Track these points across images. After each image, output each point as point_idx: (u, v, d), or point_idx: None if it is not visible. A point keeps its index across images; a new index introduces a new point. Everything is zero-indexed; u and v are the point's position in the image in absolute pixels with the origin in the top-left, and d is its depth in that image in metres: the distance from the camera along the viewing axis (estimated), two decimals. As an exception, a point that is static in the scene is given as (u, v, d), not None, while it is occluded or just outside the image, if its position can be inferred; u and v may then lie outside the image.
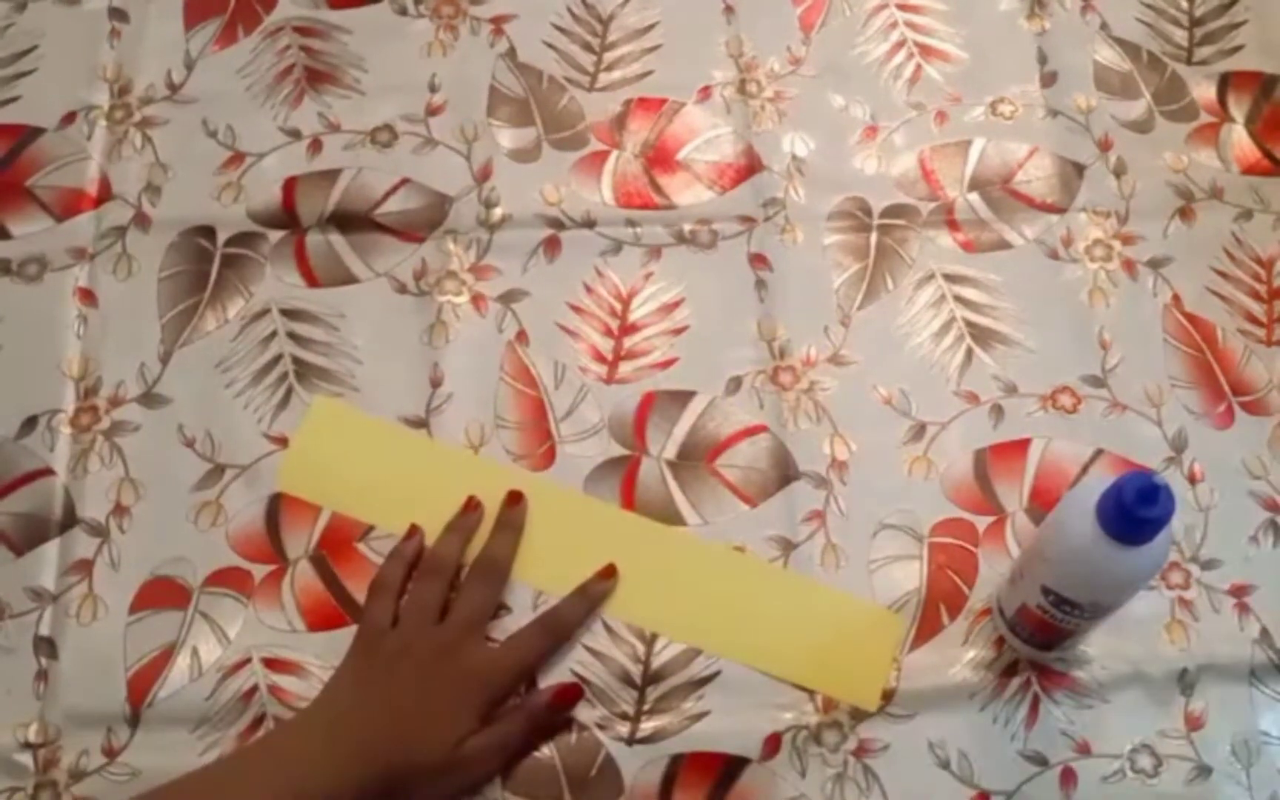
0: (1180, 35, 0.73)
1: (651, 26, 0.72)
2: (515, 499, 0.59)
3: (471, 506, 0.59)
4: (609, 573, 0.58)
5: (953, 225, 0.67)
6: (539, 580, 0.58)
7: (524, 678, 0.55)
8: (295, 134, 0.68)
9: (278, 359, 0.63)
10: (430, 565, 0.57)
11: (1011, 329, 0.64)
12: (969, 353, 0.63)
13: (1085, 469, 0.61)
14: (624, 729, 0.55)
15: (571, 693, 0.55)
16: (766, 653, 0.57)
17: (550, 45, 0.71)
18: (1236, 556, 0.59)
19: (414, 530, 0.58)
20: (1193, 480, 0.60)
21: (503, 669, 0.55)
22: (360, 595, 0.57)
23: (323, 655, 0.56)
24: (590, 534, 0.59)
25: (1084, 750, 0.55)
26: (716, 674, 0.56)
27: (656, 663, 0.56)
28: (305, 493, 0.59)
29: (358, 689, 0.53)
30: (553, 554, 0.58)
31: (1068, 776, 0.54)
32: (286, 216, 0.66)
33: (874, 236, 0.66)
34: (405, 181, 0.67)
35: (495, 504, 0.59)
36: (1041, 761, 0.55)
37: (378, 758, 0.51)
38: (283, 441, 0.60)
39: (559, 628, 0.56)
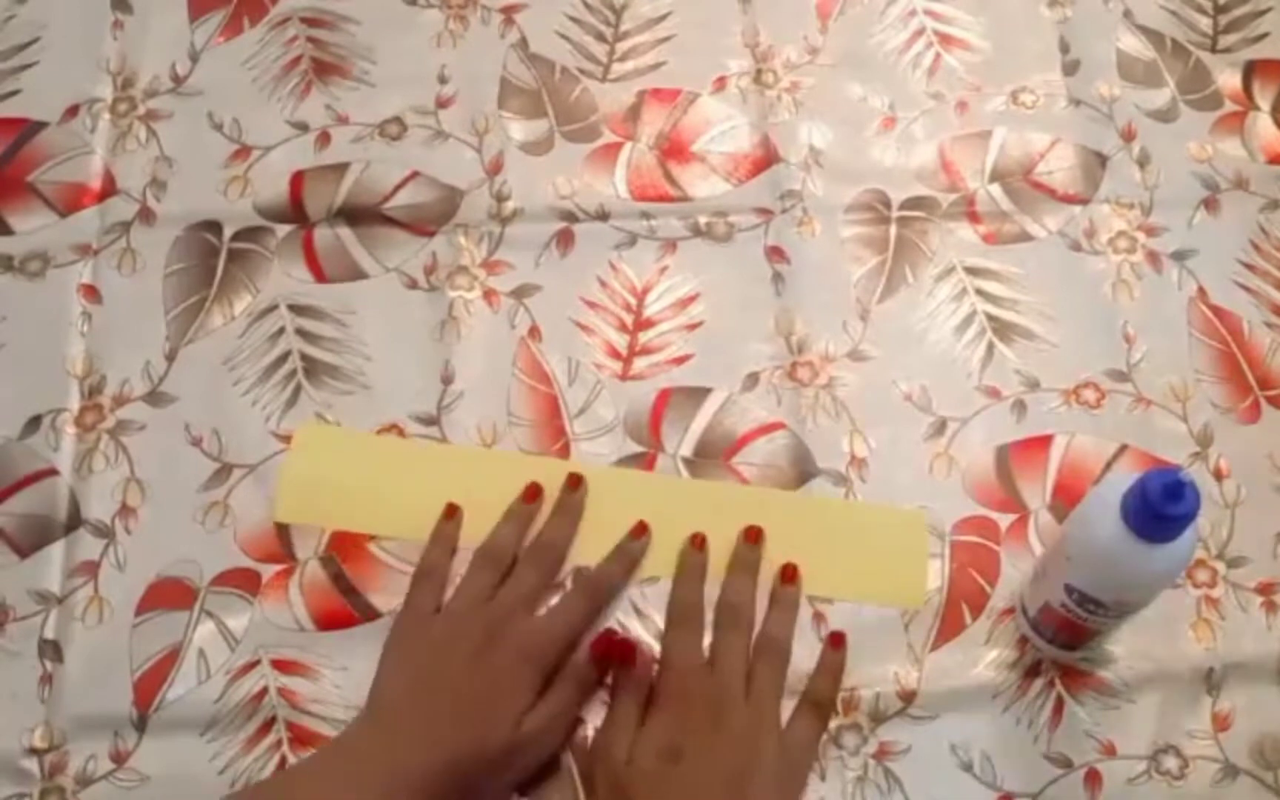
0: (1204, 23, 0.72)
1: (665, 16, 0.71)
2: (575, 482, 0.58)
3: (531, 495, 0.58)
4: (641, 531, 0.57)
5: (973, 217, 0.66)
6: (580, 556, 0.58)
7: (571, 644, 0.54)
8: (303, 127, 0.68)
9: (286, 356, 0.62)
10: (486, 553, 0.56)
11: (1034, 323, 0.63)
12: (990, 347, 0.62)
13: (1109, 465, 0.60)
14: (640, 732, 0.54)
15: (609, 643, 0.54)
16: (805, 577, 0.57)
17: (562, 35, 0.71)
18: (1264, 554, 0.58)
19: (452, 510, 0.57)
20: (1219, 476, 0.59)
21: (550, 638, 0.54)
22: (370, 595, 0.56)
23: (333, 656, 0.55)
24: (620, 500, 0.58)
25: (1109, 751, 0.54)
26: (734, 675, 0.55)
27: (673, 664, 0.56)
28: (307, 517, 0.58)
29: (408, 680, 0.52)
30: (589, 528, 0.58)
31: (1092, 778, 0.53)
32: (294, 211, 0.65)
33: (893, 229, 0.65)
34: (415, 175, 0.66)
35: (510, 493, 0.58)
36: (1066, 763, 0.54)
37: (442, 749, 0.49)
38: (290, 440, 0.60)
39: (599, 591, 0.56)
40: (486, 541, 0.57)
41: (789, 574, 0.57)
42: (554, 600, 0.56)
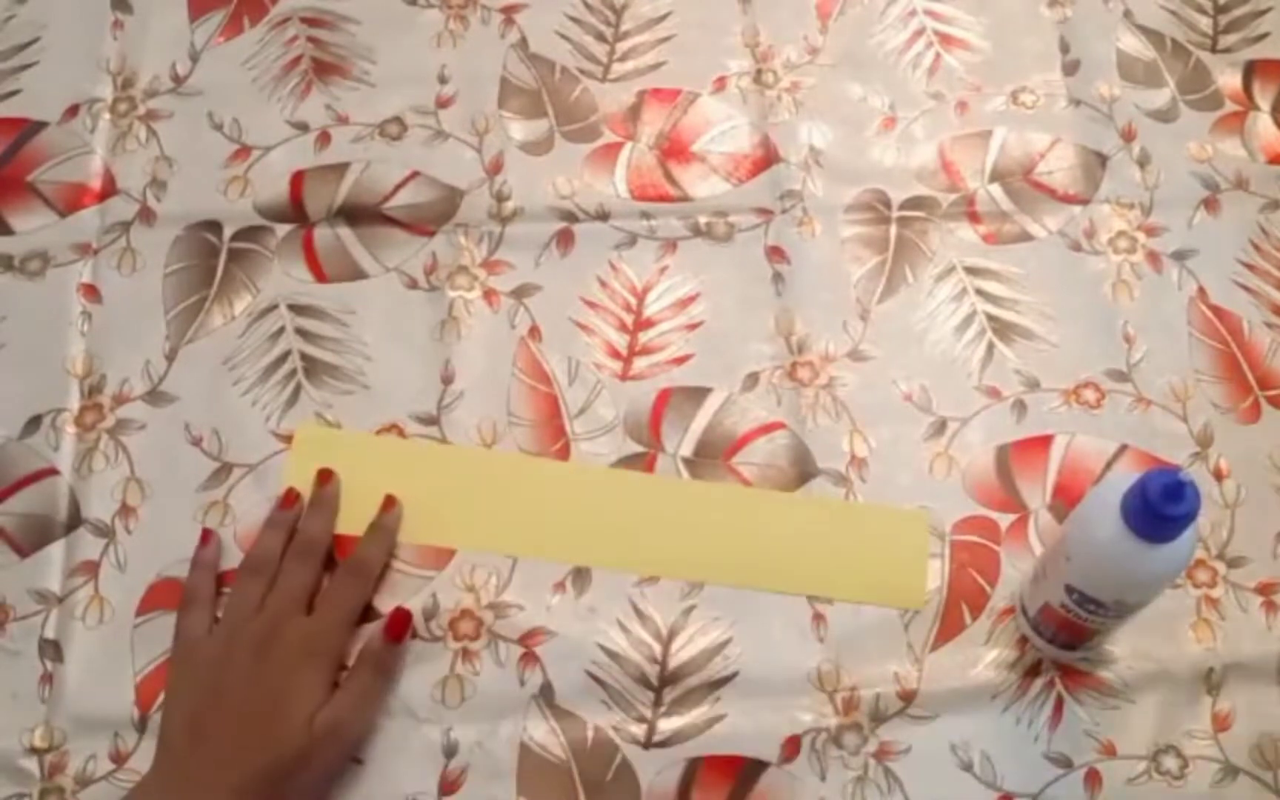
0: (1204, 23, 0.72)
1: (665, 16, 0.71)
2: (326, 477, 0.58)
3: (288, 501, 0.57)
4: (391, 504, 0.57)
5: (973, 217, 0.66)
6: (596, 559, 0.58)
7: (349, 629, 0.54)
8: (303, 126, 0.67)
9: (286, 355, 0.62)
10: (249, 565, 0.56)
11: (1034, 323, 0.63)
12: (990, 347, 0.62)
13: (1109, 465, 0.60)
14: (640, 732, 0.54)
15: (400, 618, 0.54)
16: (805, 578, 0.57)
17: (562, 35, 0.71)
18: (1264, 554, 0.58)
19: (207, 535, 0.57)
20: (1219, 476, 0.59)
21: (325, 629, 0.53)
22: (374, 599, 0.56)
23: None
24: (619, 502, 0.59)
25: (1109, 751, 0.54)
26: (734, 675, 0.55)
27: (673, 664, 0.56)
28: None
29: (187, 711, 0.51)
30: (590, 530, 0.58)
31: (1093, 778, 0.53)
32: (294, 210, 0.65)
33: (893, 229, 0.65)
34: (415, 174, 0.66)
35: (508, 493, 0.58)
36: (1066, 763, 0.54)
37: (231, 772, 0.48)
38: (291, 439, 0.60)
39: (363, 568, 0.56)
40: (249, 552, 0.56)
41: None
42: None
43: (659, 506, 0.58)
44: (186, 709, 0.51)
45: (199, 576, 0.56)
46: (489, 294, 0.63)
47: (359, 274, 0.64)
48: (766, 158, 0.67)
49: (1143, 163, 0.67)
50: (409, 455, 0.60)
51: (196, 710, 0.51)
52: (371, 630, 0.55)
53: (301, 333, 0.62)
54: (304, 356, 0.62)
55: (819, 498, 0.59)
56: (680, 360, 0.62)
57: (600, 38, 0.71)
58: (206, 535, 0.57)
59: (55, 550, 0.57)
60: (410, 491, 0.58)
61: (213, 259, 0.64)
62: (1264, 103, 0.69)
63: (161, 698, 0.54)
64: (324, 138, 0.67)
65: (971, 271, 0.64)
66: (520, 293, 0.64)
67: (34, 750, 0.53)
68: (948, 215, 0.66)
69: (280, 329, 0.62)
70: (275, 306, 0.63)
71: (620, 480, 0.59)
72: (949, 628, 0.56)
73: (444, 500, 0.58)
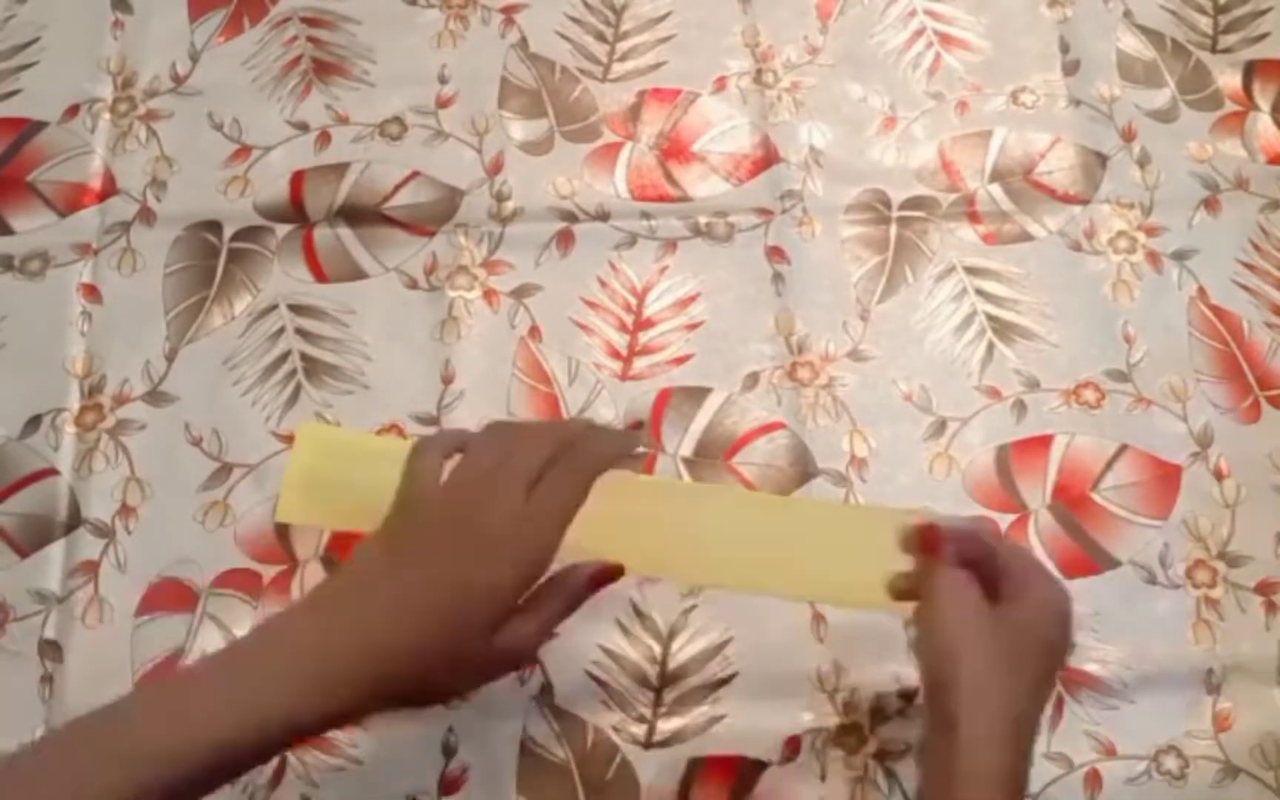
0: (1204, 22, 0.72)
1: (665, 16, 0.71)
2: (636, 425, 0.56)
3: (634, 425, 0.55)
4: (638, 424, 0.56)
5: (973, 217, 0.66)
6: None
7: (562, 531, 0.45)
8: (303, 126, 0.67)
9: (286, 355, 0.62)
10: (497, 427, 0.48)
11: (1034, 323, 0.63)
12: (990, 347, 0.62)
13: (1109, 465, 0.60)
14: (640, 732, 0.54)
15: (609, 572, 0.48)
16: (806, 583, 0.55)
17: (562, 35, 0.71)
18: (1264, 554, 0.58)
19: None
20: (1219, 476, 0.59)
21: (546, 527, 0.45)
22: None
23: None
24: (619, 502, 0.56)
25: (1109, 752, 0.54)
26: (734, 676, 0.55)
27: (673, 664, 0.56)
28: (310, 519, 0.57)
29: (385, 557, 0.44)
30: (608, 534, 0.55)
31: (1093, 779, 0.53)
32: (294, 210, 0.65)
33: (893, 229, 0.65)
34: (415, 174, 0.66)
35: None
36: (1066, 763, 0.54)
37: (392, 661, 0.42)
38: (291, 440, 0.60)
39: (586, 463, 0.46)
40: (489, 424, 0.49)
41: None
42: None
43: (659, 508, 0.58)
44: (383, 549, 0.44)
45: (443, 437, 0.49)
46: (489, 294, 0.63)
47: (359, 274, 0.64)
48: (766, 158, 0.67)
49: (1143, 163, 0.67)
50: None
51: (392, 555, 0.44)
52: (574, 568, 0.48)
53: (301, 333, 0.62)
54: (304, 356, 0.62)
55: (818, 500, 0.59)
56: (680, 360, 0.62)
57: (600, 38, 0.71)
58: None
59: (55, 550, 0.57)
60: None
61: (213, 259, 0.64)
62: (1264, 103, 0.69)
63: None
64: (324, 138, 0.67)
65: (971, 271, 0.64)
66: (520, 293, 0.64)
67: (34, 750, 0.53)
68: (948, 215, 0.66)
69: (280, 329, 0.62)
70: (275, 306, 0.63)
71: (620, 482, 0.58)
72: (949, 628, 0.56)
73: None
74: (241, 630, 0.56)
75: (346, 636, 0.42)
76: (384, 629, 0.42)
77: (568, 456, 0.46)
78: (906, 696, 0.55)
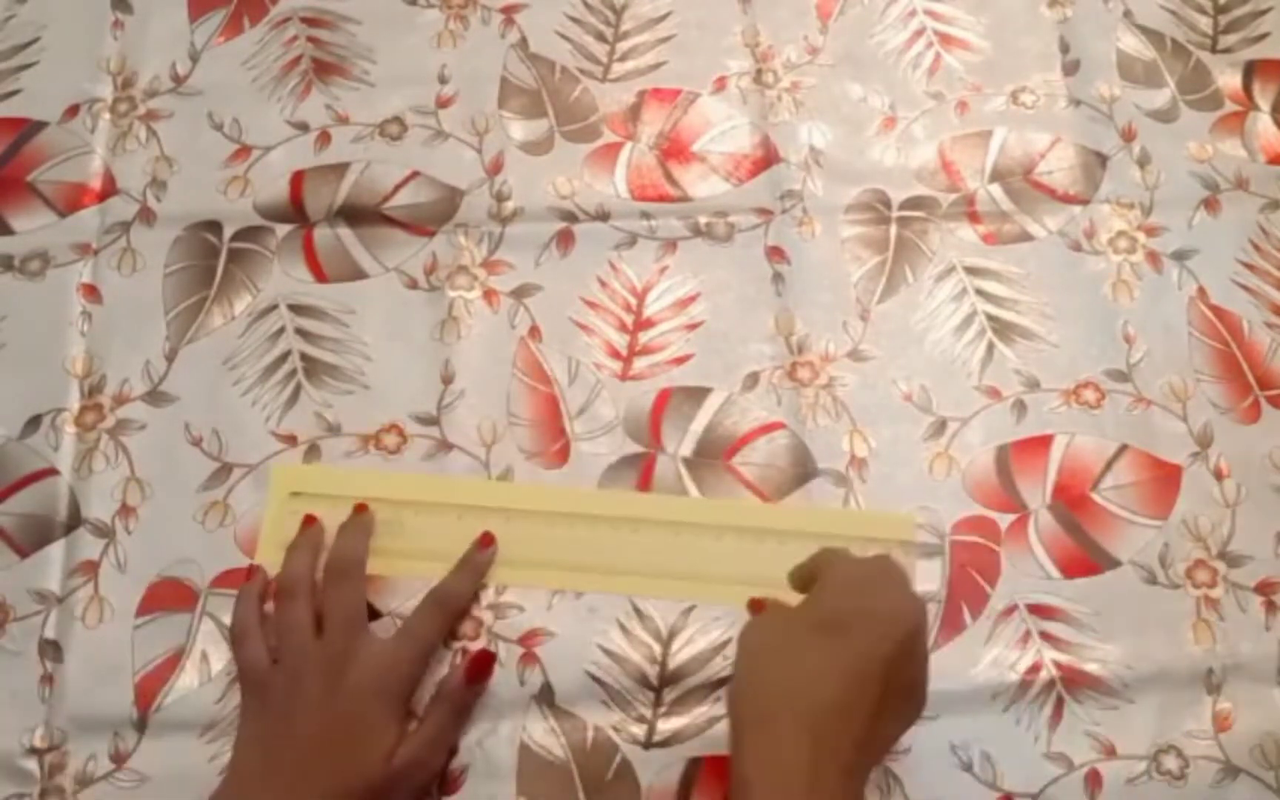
0: (1204, 22, 0.72)
1: (665, 16, 0.71)
2: (361, 508, 0.57)
3: (309, 521, 0.57)
4: (488, 542, 0.56)
5: (973, 217, 0.66)
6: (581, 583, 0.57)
7: (424, 663, 0.53)
8: (303, 126, 0.67)
9: (286, 355, 0.62)
10: (284, 588, 0.54)
11: (1034, 323, 0.63)
12: (990, 347, 0.62)
13: (1109, 465, 0.60)
14: (640, 732, 0.54)
15: (484, 660, 0.54)
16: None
17: (562, 35, 0.71)
18: (1264, 553, 0.58)
19: (253, 570, 0.56)
20: (1219, 476, 0.59)
21: (405, 659, 0.52)
22: (370, 595, 0.56)
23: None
24: (619, 520, 0.58)
25: (1109, 752, 0.54)
26: (734, 675, 0.55)
27: (673, 664, 0.56)
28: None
29: (260, 744, 0.50)
30: (586, 549, 0.58)
31: (1093, 779, 0.53)
32: (294, 211, 0.65)
33: (893, 229, 0.65)
34: (415, 174, 0.66)
35: (493, 519, 0.57)
36: (1066, 763, 0.54)
37: None
38: (291, 439, 0.60)
39: (448, 602, 0.55)
40: (280, 577, 0.55)
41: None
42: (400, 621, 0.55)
43: (652, 527, 0.58)
44: (258, 739, 0.51)
45: (246, 607, 0.54)
46: (489, 294, 0.63)
47: (359, 274, 0.64)
48: (766, 158, 0.67)
49: (1143, 163, 0.67)
50: (392, 487, 0.59)
51: (268, 740, 0.50)
52: (450, 671, 0.54)
53: (301, 333, 0.62)
54: (304, 356, 0.62)
55: (808, 507, 0.58)
56: (680, 360, 0.62)
57: (600, 38, 0.71)
58: (251, 571, 0.56)
59: (55, 550, 0.57)
60: (398, 526, 0.58)
61: (213, 259, 0.64)
62: (1264, 103, 0.69)
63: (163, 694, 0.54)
64: (324, 138, 0.67)
65: (971, 271, 0.64)
66: (520, 293, 0.64)
67: (34, 750, 0.53)
68: (948, 215, 0.66)
69: (280, 329, 0.62)
70: (275, 306, 0.63)
71: (616, 500, 0.59)
72: (949, 627, 0.56)
73: (441, 530, 0.58)
74: (241, 630, 0.56)
75: None
76: None
77: (428, 600, 0.54)
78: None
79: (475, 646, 0.55)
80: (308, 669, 0.51)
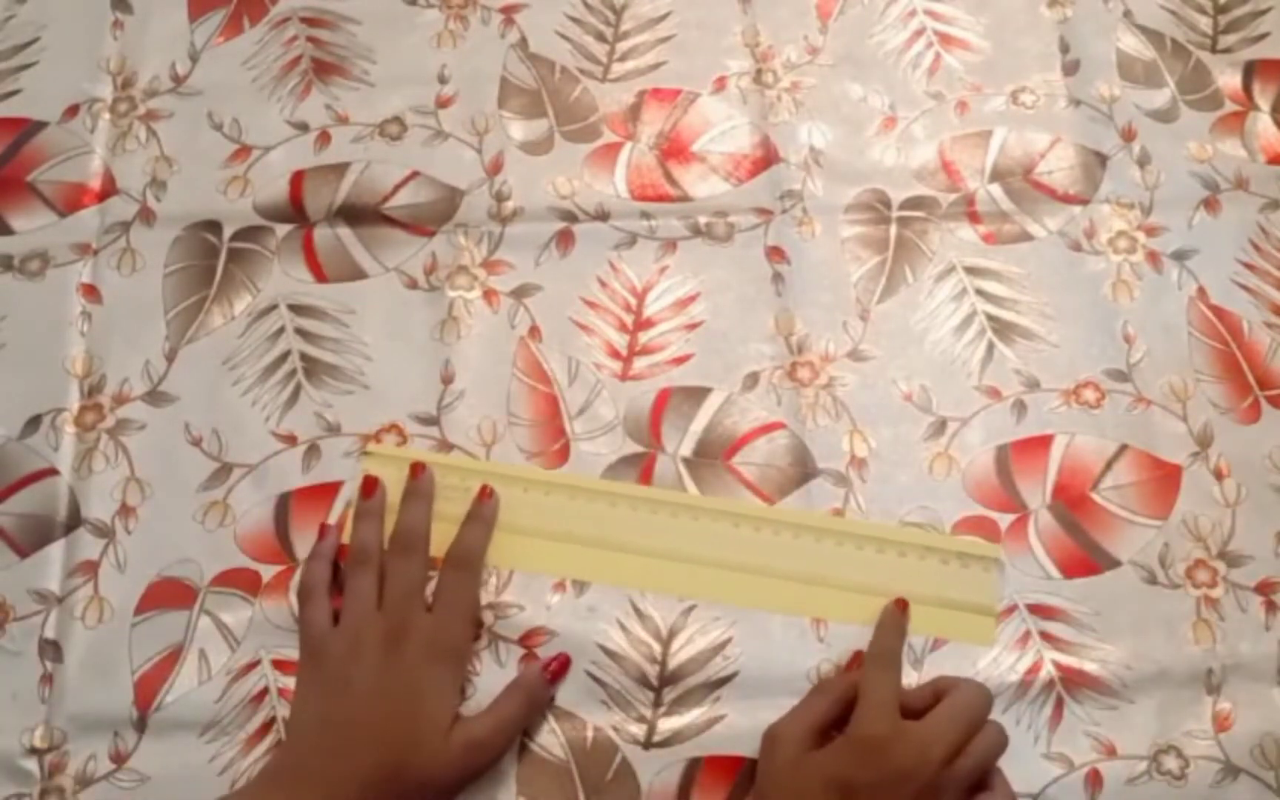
0: (1204, 22, 0.72)
1: (665, 16, 0.71)
2: (486, 493, 0.57)
3: (369, 488, 0.57)
4: (486, 493, 0.57)
5: (973, 217, 0.66)
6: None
7: (471, 624, 0.55)
8: (303, 126, 0.67)
9: (286, 355, 0.62)
10: (355, 556, 0.55)
11: (1034, 322, 0.63)
12: (990, 347, 0.62)
13: (1109, 465, 0.60)
14: (640, 732, 0.54)
15: (566, 662, 0.55)
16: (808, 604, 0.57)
17: (562, 35, 0.71)
18: (1264, 553, 0.58)
19: (324, 529, 0.57)
20: (1219, 476, 0.59)
21: (448, 626, 0.53)
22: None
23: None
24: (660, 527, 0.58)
25: (1109, 752, 0.54)
26: (734, 675, 0.55)
27: (673, 664, 0.56)
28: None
29: (317, 708, 0.51)
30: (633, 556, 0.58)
31: (1093, 778, 0.53)
32: (294, 211, 0.65)
33: (893, 229, 0.65)
34: (415, 174, 0.66)
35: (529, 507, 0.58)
36: (1066, 763, 0.54)
37: (361, 774, 0.49)
38: (291, 439, 0.60)
39: (469, 559, 0.55)
40: (351, 545, 0.56)
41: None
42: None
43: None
44: (316, 704, 0.52)
45: (315, 567, 0.55)
46: (489, 294, 0.63)
47: (359, 274, 0.64)
48: (766, 158, 0.67)
49: (1143, 163, 0.67)
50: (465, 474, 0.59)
51: (326, 706, 0.51)
52: (530, 664, 0.55)
53: (301, 333, 0.62)
54: (304, 356, 0.62)
55: (888, 524, 0.58)
56: (680, 360, 0.62)
57: (600, 38, 0.71)
58: (324, 529, 0.57)
59: (55, 550, 0.57)
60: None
61: (212, 259, 0.64)
62: (1264, 103, 0.69)
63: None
64: (324, 138, 0.67)
65: (971, 271, 0.64)
66: (520, 293, 0.63)
67: (34, 750, 0.53)
68: (948, 215, 0.66)
69: (280, 329, 0.62)
70: (275, 306, 0.63)
71: (671, 502, 0.59)
72: (949, 628, 0.56)
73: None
74: (241, 629, 0.56)
75: (326, 779, 0.49)
76: (348, 769, 0.49)
77: (450, 563, 0.55)
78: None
79: (477, 646, 0.55)
80: (366, 638, 0.52)
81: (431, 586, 0.55)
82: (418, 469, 0.58)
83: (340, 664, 0.52)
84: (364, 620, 0.53)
